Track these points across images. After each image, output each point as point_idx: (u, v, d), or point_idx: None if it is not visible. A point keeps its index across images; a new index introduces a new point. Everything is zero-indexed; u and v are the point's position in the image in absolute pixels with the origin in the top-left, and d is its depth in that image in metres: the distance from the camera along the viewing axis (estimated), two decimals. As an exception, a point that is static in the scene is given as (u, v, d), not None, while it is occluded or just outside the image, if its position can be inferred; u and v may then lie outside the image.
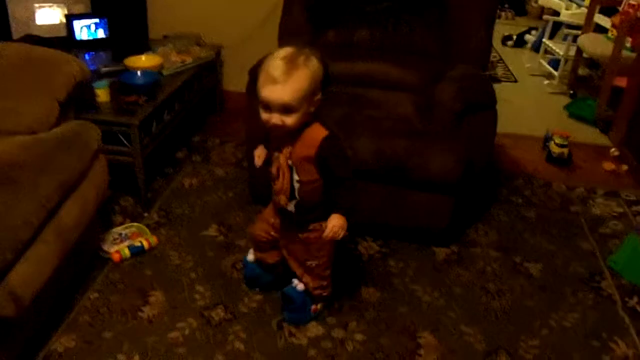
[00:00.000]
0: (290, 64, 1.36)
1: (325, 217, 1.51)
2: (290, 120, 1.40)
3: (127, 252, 1.96)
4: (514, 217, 2.37)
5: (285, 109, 1.38)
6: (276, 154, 1.53)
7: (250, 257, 1.82)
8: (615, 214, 2.44)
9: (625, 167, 2.84)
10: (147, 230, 2.09)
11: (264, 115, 1.42)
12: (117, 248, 1.97)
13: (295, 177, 1.52)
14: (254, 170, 2.21)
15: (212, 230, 2.16)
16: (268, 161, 1.63)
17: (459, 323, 1.78)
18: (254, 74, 2.11)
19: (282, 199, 1.57)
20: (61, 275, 1.61)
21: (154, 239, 2.04)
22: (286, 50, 1.40)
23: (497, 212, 2.40)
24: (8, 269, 1.29)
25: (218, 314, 1.76)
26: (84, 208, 1.64)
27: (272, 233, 1.71)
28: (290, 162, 1.50)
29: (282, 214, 1.64)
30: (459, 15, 2.36)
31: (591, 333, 1.77)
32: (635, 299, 1.93)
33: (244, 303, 1.81)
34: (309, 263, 1.65)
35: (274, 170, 1.56)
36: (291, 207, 1.58)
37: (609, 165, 2.87)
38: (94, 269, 1.92)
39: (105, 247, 1.98)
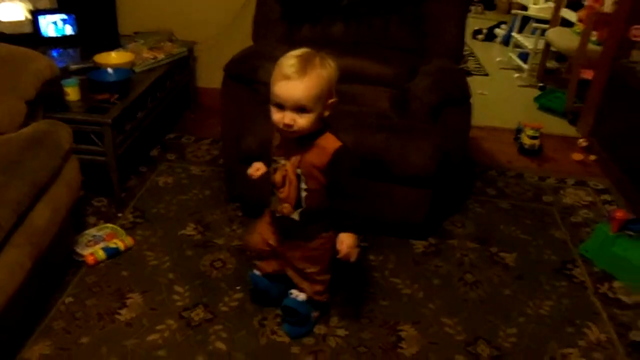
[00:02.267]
0: (306, 62, 1.34)
1: (329, 228, 1.51)
2: (302, 121, 1.36)
3: (102, 254, 1.92)
4: (489, 208, 2.41)
5: (299, 108, 1.34)
6: (282, 161, 1.47)
7: (257, 271, 1.75)
8: (585, 202, 2.51)
9: (593, 157, 2.92)
10: (123, 231, 2.05)
11: (276, 115, 1.37)
12: (92, 250, 1.92)
13: (303, 185, 1.47)
14: (231, 168, 2.21)
15: (189, 229, 2.13)
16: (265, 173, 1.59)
17: (439, 315, 1.80)
18: (230, 69, 2.10)
19: (287, 208, 1.51)
20: (33, 280, 1.56)
21: (129, 240, 2.00)
22: (301, 50, 1.38)
23: (473, 204, 2.43)
24: (-21, 275, 1.25)
25: (198, 314, 1.74)
26: (56, 210, 1.59)
27: (270, 242, 1.64)
28: (299, 170, 1.45)
29: (282, 223, 1.57)
30: (433, 10, 2.37)
31: (566, 319, 1.81)
32: (606, 285, 1.98)
33: (224, 302, 1.79)
34: (308, 270, 1.61)
35: (278, 178, 1.48)
36: (296, 215, 1.52)
37: (577, 156, 2.94)
38: (68, 273, 1.87)
39: (79, 250, 1.93)
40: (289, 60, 1.35)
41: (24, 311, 1.62)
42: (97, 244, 1.96)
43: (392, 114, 2.05)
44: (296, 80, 1.32)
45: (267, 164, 1.58)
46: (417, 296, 1.88)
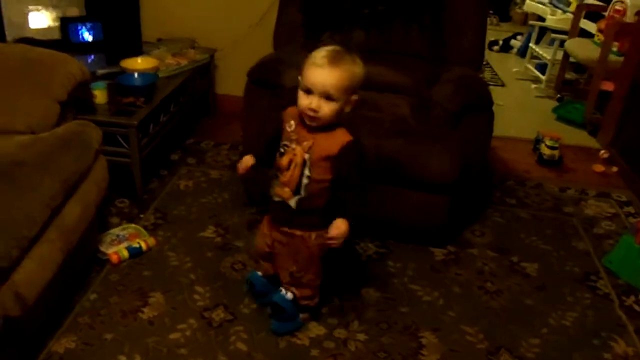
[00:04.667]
0: (338, 55, 1.44)
1: (323, 225, 1.52)
2: (327, 108, 1.43)
3: (125, 253, 1.94)
4: (508, 218, 2.40)
5: (327, 95, 1.42)
6: (293, 145, 1.52)
7: (258, 268, 1.80)
8: (607, 214, 2.48)
9: (615, 169, 2.89)
10: (145, 232, 2.07)
11: (304, 101, 1.45)
12: (115, 249, 1.95)
13: (307, 172, 1.51)
14: (249, 175, 2.23)
15: (210, 232, 2.15)
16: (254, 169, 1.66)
17: (459, 322, 1.79)
18: (253, 74, 2.13)
19: (286, 192, 1.55)
20: (60, 276, 1.58)
21: (152, 240, 2.02)
22: (333, 46, 1.48)
23: (492, 213, 2.42)
24: (13, 267, 1.27)
25: (219, 314, 1.75)
26: (86, 208, 1.62)
27: (267, 241, 1.68)
28: (307, 156, 1.50)
29: (278, 208, 1.61)
30: (453, 19, 2.39)
31: (590, 332, 1.79)
32: (632, 298, 1.96)
33: (245, 304, 1.80)
34: (297, 275, 1.64)
35: (284, 161, 1.53)
36: (293, 202, 1.56)
37: (598, 167, 2.92)
38: (92, 271, 1.89)
39: (103, 249, 1.96)
40: (322, 52, 1.45)
41: (52, 306, 1.64)
42: (120, 243, 1.99)
43: (413, 121, 2.06)
44: (327, 68, 1.41)
45: (261, 155, 1.67)
46: (438, 303, 1.87)
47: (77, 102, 1.93)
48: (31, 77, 1.72)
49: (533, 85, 4.19)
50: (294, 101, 2.08)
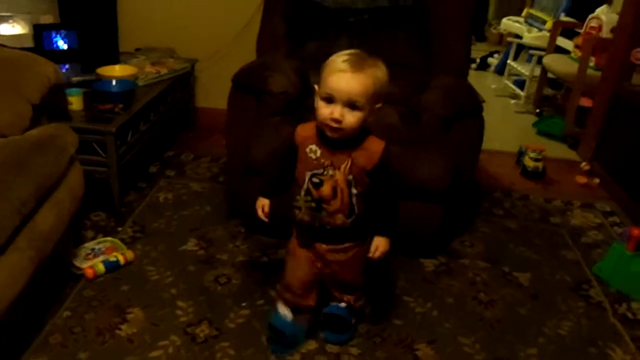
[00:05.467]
0: (361, 60, 1.31)
1: (370, 231, 1.47)
2: (351, 118, 1.30)
3: (101, 267, 1.82)
4: (496, 228, 2.36)
5: (350, 103, 1.29)
6: (330, 172, 1.39)
7: (283, 311, 1.61)
8: (593, 224, 2.47)
9: (597, 180, 2.90)
10: (123, 245, 1.96)
11: (324, 110, 1.31)
12: (91, 263, 1.83)
13: (354, 191, 1.41)
14: (233, 182, 2.14)
15: (191, 245, 2.05)
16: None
17: (455, 334, 1.72)
18: (238, 79, 2.06)
19: (340, 218, 1.44)
20: (31, 290, 1.46)
21: (130, 254, 1.91)
22: (354, 50, 1.35)
23: (480, 223, 2.38)
24: (-21, 277, 1.16)
25: (203, 330, 1.65)
26: (60, 216, 1.51)
27: (319, 267, 1.55)
28: (350, 177, 1.39)
29: (331, 234, 1.48)
30: (439, 28, 2.38)
31: (587, 340, 1.75)
32: (625, 306, 1.93)
33: (230, 319, 1.70)
34: (349, 278, 1.58)
35: (327, 191, 1.40)
36: (348, 223, 1.45)
37: (581, 179, 2.93)
38: (66, 287, 1.77)
39: (77, 263, 1.84)
40: (343, 57, 1.31)
41: (22, 323, 1.52)
42: (96, 257, 1.87)
43: (403, 129, 2.02)
44: (352, 73, 1.28)
45: (275, 192, 1.57)
46: (431, 315, 1.80)
47: (51, 109, 1.83)
48: (3, 78, 1.61)
49: (512, 101, 4.23)
50: (279, 108, 2.05)
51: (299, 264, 1.57)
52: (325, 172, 1.40)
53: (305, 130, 1.44)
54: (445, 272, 2.03)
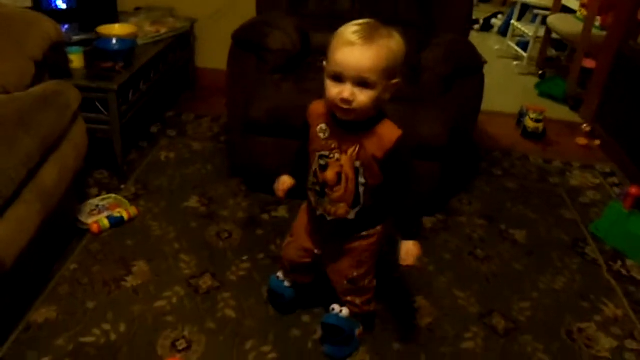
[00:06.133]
0: (373, 30, 1.15)
1: (383, 219, 1.36)
2: (363, 97, 1.15)
3: (106, 222, 1.86)
4: (495, 187, 2.39)
5: (361, 81, 1.14)
6: (336, 155, 1.27)
7: (282, 276, 1.60)
8: (592, 184, 2.50)
9: (597, 142, 2.91)
10: (126, 201, 2.00)
11: (333, 90, 1.17)
12: (96, 219, 1.87)
13: (362, 180, 1.28)
14: (234, 140, 2.16)
15: (193, 202, 2.08)
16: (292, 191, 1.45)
17: (451, 287, 1.77)
18: (238, 36, 2.05)
19: (342, 207, 1.32)
20: (39, 242, 1.50)
21: (133, 210, 1.95)
22: (366, 20, 1.18)
23: (479, 183, 2.41)
24: (-13, 227, 1.20)
25: (205, 282, 1.70)
26: (64, 170, 1.54)
27: (313, 253, 1.46)
28: (357, 163, 1.26)
29: (333, 226, 1.36)
30: (442, -15, 2.35)
31: (580, 295, 1.79)
32: (619, 263, 1.97)
33: (232, 271, 1.75)
34: (355, 274, 1.42)
35: (331, 176, 1.29)
36: (352, 215, 1.33)
37: (582, 140, 2.93)
38: (72, 241, 1.82)
39: (83, 219, 1.88)
40: (352, 27, 1.15)
41: (31, 274, 1.57)
42: (100, 213, 1.91)
43: (402, 87, 2.01)
44: (361, 47, 1.12)
45: (294, 171, 1.45)
46: (428, 269, 1.85)
47: (53, 67, 1.84)
48: (5, 35, 1.62)
49: (515, 63, 4.20)
50: (279, 65, 2.04)
51: (295, 242, 1.50)
52: (331, 155, 1.28)
53: (318, 108, 1.32)
54: (443, 229, 2.06)
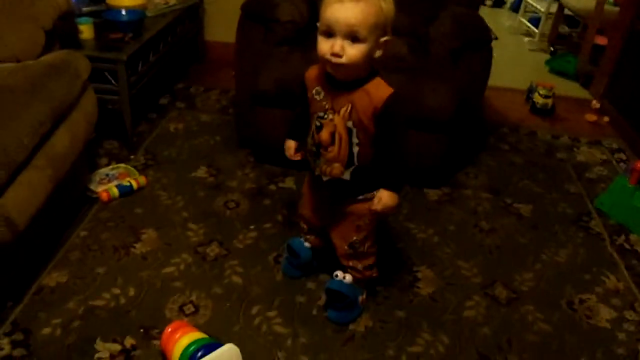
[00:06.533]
0: None
1: (376, 184, 1.36)
2: (353, 51, 1.19)
3: (115, 191, 1.90)
4: (502, 162, 2.39)
5: (352, 35, 1.18)
6: (330, 116, 1.30)
7: (306, 243, 1.62)
8: (599, 160, 2.49)
9: (606, 119, 2.89)
10: (135, 171, 2.03)
11: (324, 45, 1.21)
12: (105, 187, 1.91)
13: (355, 139, 1.30)
14: (242, 111, 2.18)
15: (202, 172, 2.11)
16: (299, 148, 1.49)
17: (454, 258, 1.80)
18: (247, 8, 2.05)
19: (337, 168, 1.35)
20: (50, 208, 1.54)
21: (142, 179, 1.98)
22: None
23: (485, 157, 2.41)
24: (2, 191, 1.23)
25: (213, 249, 1.73)
26: (75, 138, 1.57)
27: (317, 218, 1.53)
28: (349, 123, 1.29)
29: (330, 187, 1.40)
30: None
31: (583, 267, 1.81)
32: (623, 237, 1.98)
33: (239, 240, 1.79)
34: (358, 244, 1.46)
35: (325, 136, 1.32)
36: (347, 175, 1.36)
37: (591, 117, 2.92)
38: (82, 209, 1.85)
39: (93, 187, 1.92)
40: None
41: (43, 239, 1.61)
42: (110, 181, 1.94)
43: (411, 59, 2.02)
44: (350, 2, 1.17)
45: (294, 134, 1.49)
46: (432, 240, 1.87)
47: (62, 37, 1.86)
48: (15, 4, 1.64)
49: (526, 39, 4.16)
50: (288, 37, 2.05)
51: (307, 202, 1.55)
52: (325, 116, 1.32)
53: (313, 71, 1.36)
54: (448, 201, 2.08)
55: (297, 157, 1.50)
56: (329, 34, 1.20)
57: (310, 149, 1.39)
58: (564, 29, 4.19)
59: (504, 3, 5.13)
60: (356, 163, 1.34)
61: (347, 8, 1.17)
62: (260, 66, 1.96)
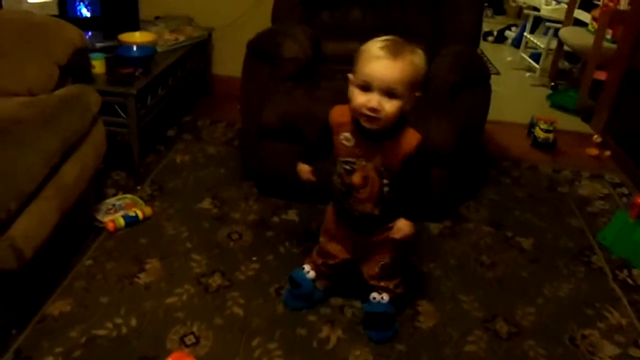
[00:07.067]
0: (399, 46, 1.26)
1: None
2: (389, 106, 1.26)
3: (121, 221, 1.93)
4: (503, 195, 2.41)
5: (388, 91, 1.25)
6: (362, 162, 1.38)
7: (307, 268, 1.66)
8: (601, 194, 2.51)
9: (608, 153, 2.92)
10: (141, 202, 2.07)
11: (360, 99, 1.27)
12: (112, 217, 1.94)
13: (386, 181, 1.40)
14: (247, 145, 2.22)
15: (206, 204, 2.15)
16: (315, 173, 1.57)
17: (456, 292, 1.80)
18: (253, 45, 2.12)
19: (368, 206, 1.44)
20: (57, 237, 1.57)
21: (148, 210, 2.01)
22: (390, 36, 1.30)
23: (487, 191, 2.44)
24: (11, 220, 1.26)
25: (215, 280, 1.75)
26: (84, 169, 1.62)
27: (345, 252, 1.58)
28: (382, 168, 1.38)
29: (361, 221, 1.49)
30: (452, -3, 2.40)
31: (584, 302, 1.80)
32: (625, 272, 1.97)
33: (241, 271, 1.80)
34: (387, 261, 1.53)
35: (357, 180, 1.40)
36: (377, 211, 1.45)
37: (592, 151, 2.94)
38: (88, 238, 1.89)
39: (99, 217, 1.95)
40: (379, 43, 1.27)
41: (48, 267, 1.64)
42: (117, 212, 1.98)
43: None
44: (389, 60, 1.23)
45: (307, 158, 1.56)
46: (434, 274, 1.88)
47: (76, 72, 1.91)
48: (32, 40, 1.70)
49: (527, 74, 4.23)
50: (292, 73, 2.10)
51: (330, 239, 1.59)
52: (358, 162, 1.39)
53: (340, 115, 1.40)
54: (450, 235, 2.10)
55: (313, 179, 1.57)
56: (366, 87, 1.26)
57: (339, 188, 1.46)
58: (564, 64, 4.27)
59: (506, 39, 5.22)
60: (385, 199, 1.43)
61: (387, 65, 1.24)
62: (265, 101, 2.01)
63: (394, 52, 1.24)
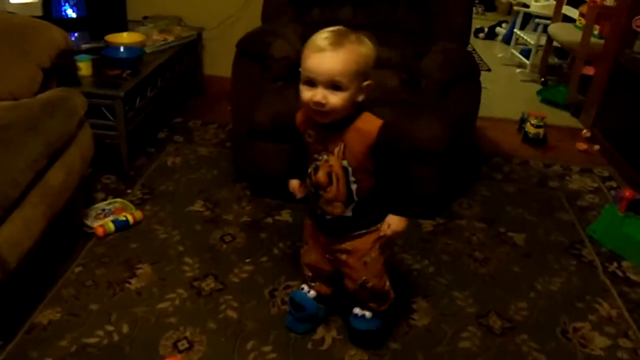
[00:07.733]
0: (342, 36, 1.20)
1: (381, 217, 1.38)
2: (335, 99, 1.21)
3: (111, 226, 1.91)
4: (495, 191, 2.42)
5: (333, 84, 1.20)
6: (325, 157, 1.33)
7: (306, 288, 1.59)
8: (590, 188, 2.52)
9: (597, 147, 2.94)
10: (132, 206, 2.05)
11: (307, 94, 1.22)
12: (101, 222, 1.92)
13: (352, 177, 1.32)
14: (239, 146, 2.21)
15: (198, 206, 2.13)
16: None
17: (449, 289, 1.80)
18: (242, 45, 2.11)
19: (338, 206, 1.36)
20: (44, 244, 1.55)
21: (139, 214, 1.99)
22: (336, 27, 1.24)
23: (479, 187, 2.44)
24: (-4, 228, 1.25)
25: (208, 284, 1.74)
26: (70, 174, 1.59)
27: (330, 258, 1.49)
28: (345, 162, 1.31)
29: (332, 224, 1.41)
30: (441, -6, 2.39)
31: (575, 296, 1.81)
32: (615, 265, 1.99)
33: (235, 274, 1.79)
34: (365, 277, 1.44)
35: (323, 177, 1.33)
36: (349, 212, 1.37)
37: (581, 146, 2.96)
38: (77, 244, 1.86)
39: (89, 222, 1.93)
40: (323, 34, 1.21)
41: (36, 276, 1.61)
42: (106, 216, 1.96)
43: (402, 92, 2.06)
44: (331, 52, 1.18)
45: (293, 173, 1.51)
46: (427, 271, 1.88)
47: (61, 74, 1.89)
48: (14, 43, 1.68)
49: (518, 70, 4.24)
50: (282, 73, 2.09)
51: (310, 249, 1.54)
52: (320, 157, 1.34)
53: (304, 114, 1.37)
54: (443, 232, 2.10)
55: (302, 194, 1.50)
56: (311, 82, 1.22)
57: (309, 189, 1.41)
58: (554, 60, 4.29)
59: (496, 35, 5.24)
60: (356, 199, 1.35)
61: (328, 58, 1.18)
62: (255, 101, 2.00)
63: (336, 42, 1.18)
